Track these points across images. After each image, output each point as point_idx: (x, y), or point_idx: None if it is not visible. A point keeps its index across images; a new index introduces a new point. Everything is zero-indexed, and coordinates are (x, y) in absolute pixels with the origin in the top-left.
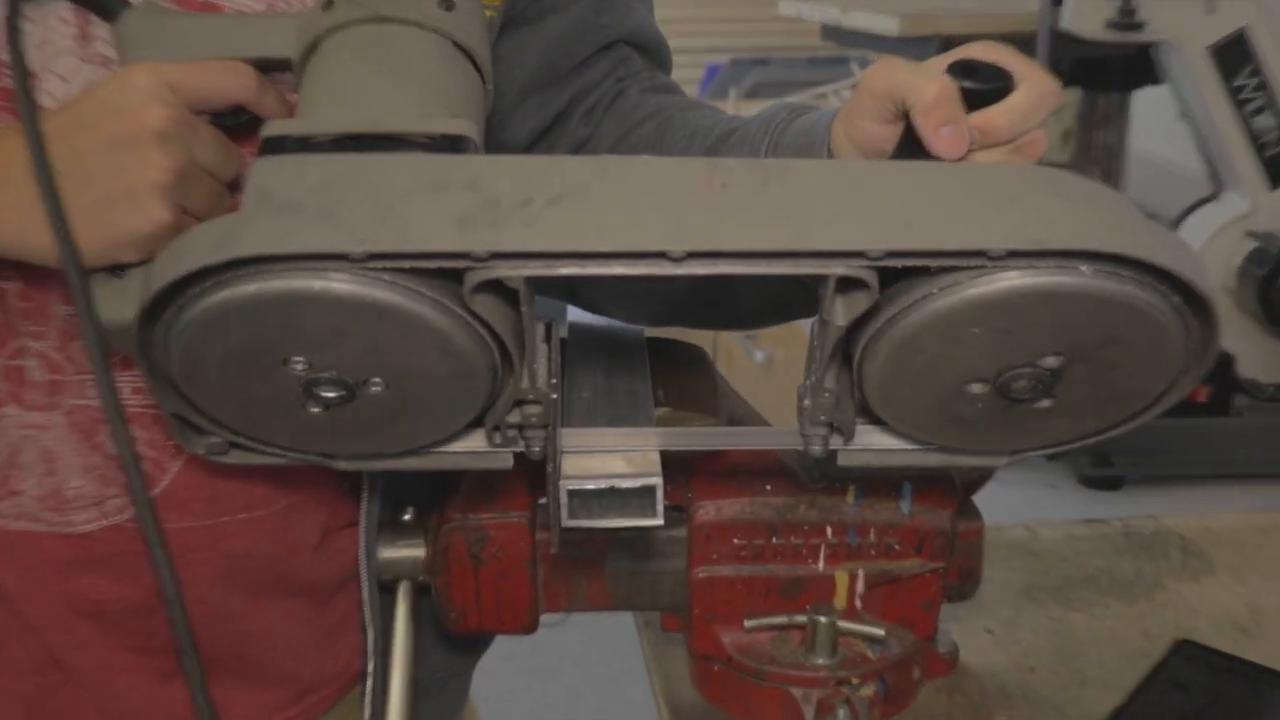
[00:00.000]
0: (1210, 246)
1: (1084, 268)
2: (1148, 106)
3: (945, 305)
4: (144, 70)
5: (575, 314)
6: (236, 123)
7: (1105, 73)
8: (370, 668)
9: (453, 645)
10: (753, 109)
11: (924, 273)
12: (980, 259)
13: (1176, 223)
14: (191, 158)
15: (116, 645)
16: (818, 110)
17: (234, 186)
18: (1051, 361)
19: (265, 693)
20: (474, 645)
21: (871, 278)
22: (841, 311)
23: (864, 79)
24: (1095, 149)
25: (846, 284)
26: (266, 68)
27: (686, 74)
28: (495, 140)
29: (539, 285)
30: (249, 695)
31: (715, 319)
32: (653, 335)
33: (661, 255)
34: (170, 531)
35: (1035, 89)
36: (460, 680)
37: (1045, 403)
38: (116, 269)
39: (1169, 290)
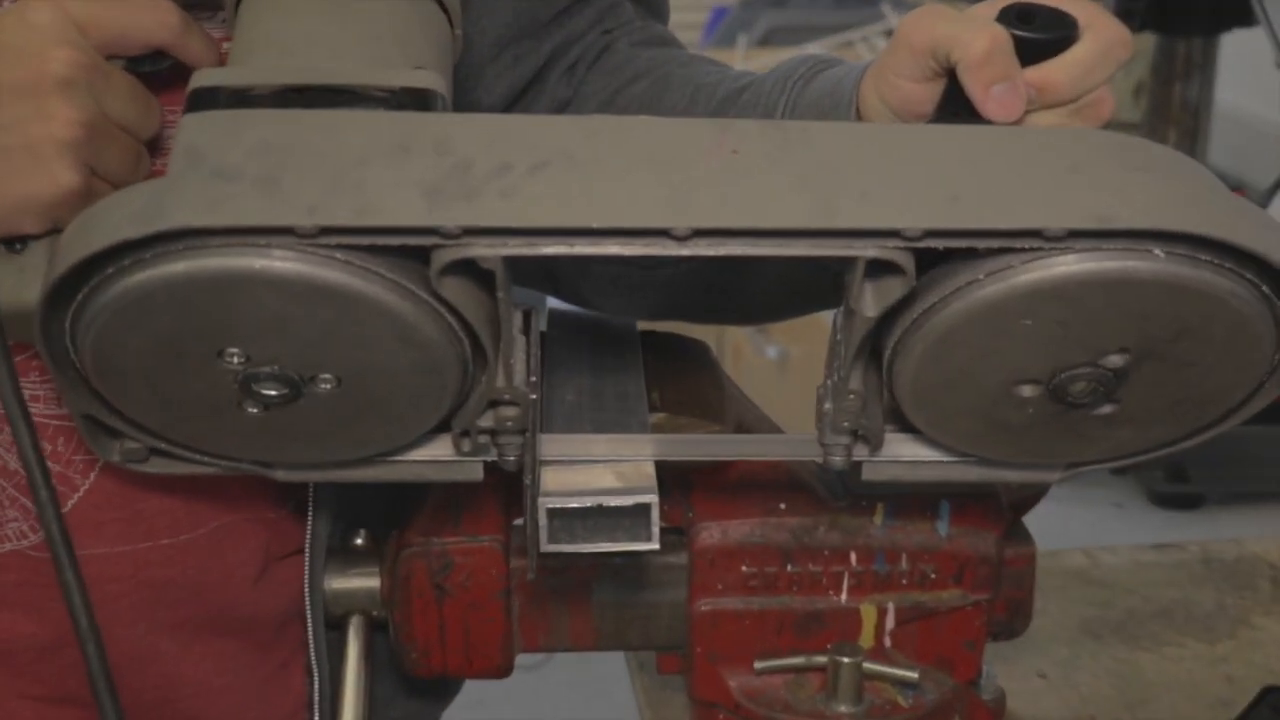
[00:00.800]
0: None
1: (1156, 250)
2: (1237, 54)
3: (993, 294)
4: (46, 6)
5: (558, 302)
6: (154, 70)
7: (1187, 14)
8: (316, 706)
9: (415, 691)
10: (766, 59)
11: (969, 255)
12: (1035, 240)
13: (1269, 193)
14: (102, 110)
15: (15, 694)
16: (844, 65)
17: (152, 146)
18: (1115, 360)
19: None
20: (440, 691)
21: (907, 261)
22: (871, 300)
23: (901, 30)
24: (1173, 106)
25: (877, 268)
26: (191, 5)
27: (687, 18)
28: (464, 102)
29: (515, 270)
30: None
31: (725, 312)
32: (647, 328)
33: (663, 233)
34: (81, 558)
35: (1102, 38)
36: None
37: (1107, 408)
38: (14, 242)
39: (1256, 277)
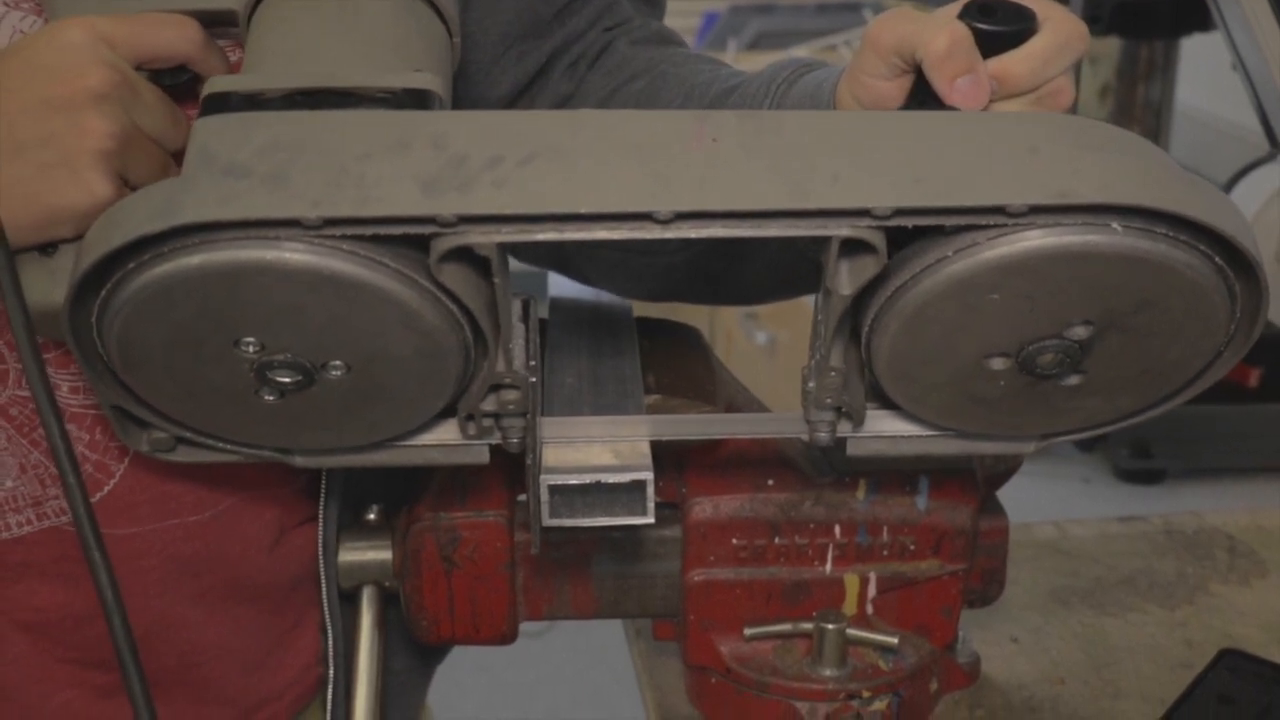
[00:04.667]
0: (1264, 213)
1: (1114, 224)
2: (1197, 57)
3: (961, 269)
4: (78, 26)
5: (557, 289)
6: (175, 83)
7: (1150, 18)
8: (331, 675)
9: (415, 646)
10: (754, 62)
11: (937, 233)
12: (999, 216)
13: (1227, 187)
14: (133, 123)
15: (53, 659)
16: (825, 68)
17: (179, 157)
18: (1080, 331)
19: (216, 711)
20: (435, 649)
21: (878, 239)
22: (846, 279)
23: (868, 33)
24: (1137, 105)
25: (851, 247)
26: (208, 22)
27: (681, 23)
28: (472, 97)
29: (529, 255)
30: (198, 714)
31: (720, 294)
32: (643, 315)
33: (646, 217)
34: (116, 537)
35: (1060, 31)
36: (420, 683)
37: (1074, 379)
38: (46, 247)
39: (1210, 249)
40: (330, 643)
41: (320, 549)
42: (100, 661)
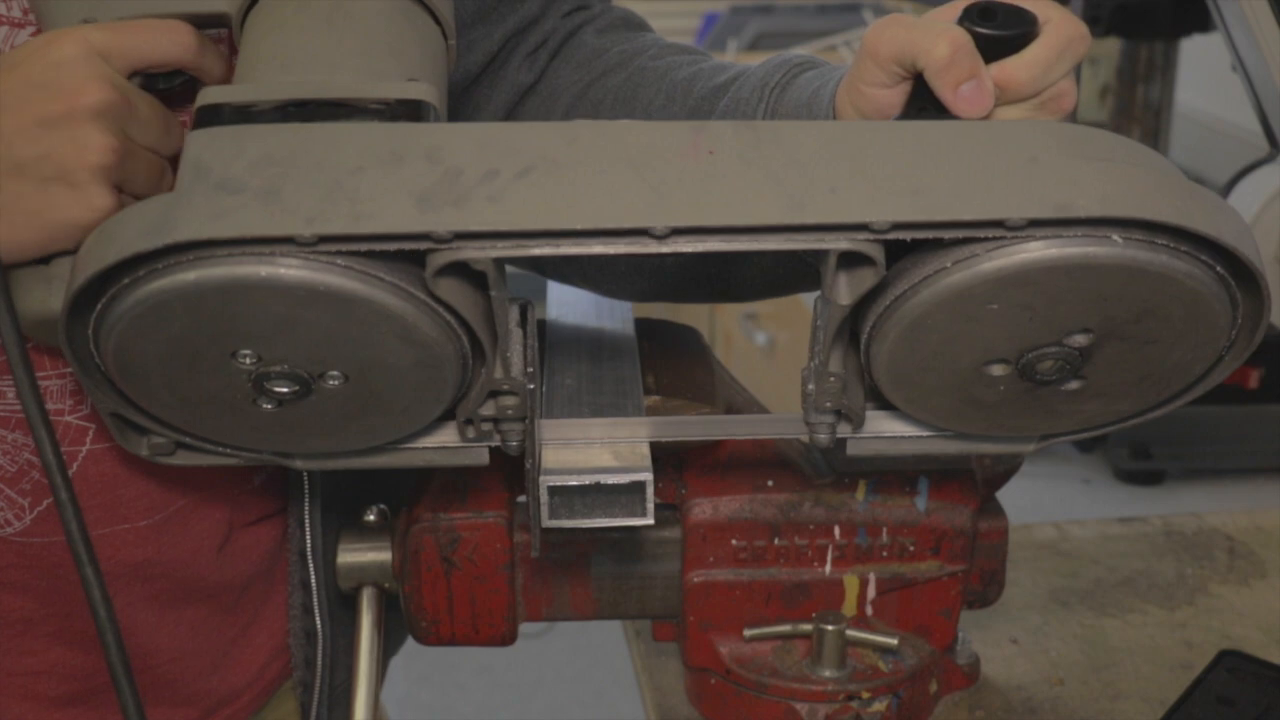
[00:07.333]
0: (1264, 214)
1: (1114, 236)
2: (1196, 58)
3: (959, 281)
4: (71, 39)
5: (557, 290)
6: (169, 86)
7: (1150, 19)
8: (318, 674)
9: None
10: (754, 62)
11: (935, 245)
12: (998, 229)
13: (1227, 187)
14: (130, 135)
15: (2, 672)
16: (819, 68)
17: (175, 162)
18: (1080, 339)
19: (177, 713)
20: (392, 641)
21: (877, 252)
22: (845, 290)
23: (866, 43)
24: (1137, 106)
25: (850, 259)
26: (202, 24)
27: (681, 23)
28: None
29: (513, 259)
30: (159, 717)
31: (711, 294)
32: (643, 316)
33: (643, 232)
34: (64, 544)
35: (1061, 34)
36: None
37: (1074, 384)
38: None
39: (1211, 259)
40: (319, 644)
41: (308, 551)
42: (49, 670)
